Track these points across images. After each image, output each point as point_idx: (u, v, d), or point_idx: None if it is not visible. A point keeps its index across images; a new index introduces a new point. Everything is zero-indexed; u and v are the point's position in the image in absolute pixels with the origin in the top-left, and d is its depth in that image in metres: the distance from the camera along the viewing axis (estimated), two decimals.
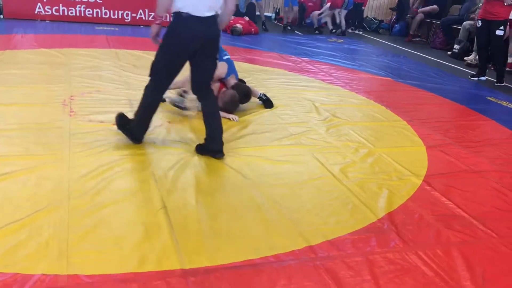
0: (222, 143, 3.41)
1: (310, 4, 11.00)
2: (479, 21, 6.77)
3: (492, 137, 4.57)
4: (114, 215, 2.57)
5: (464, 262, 2.47)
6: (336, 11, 10.40)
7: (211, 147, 3.41)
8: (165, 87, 3.39)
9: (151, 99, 3.37)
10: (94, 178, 2.93)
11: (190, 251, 2.32)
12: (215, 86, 4.27)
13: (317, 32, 10.27)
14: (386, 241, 2.60)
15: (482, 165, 3.83)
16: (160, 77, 3.28)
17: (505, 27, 6.58)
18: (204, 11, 3.07)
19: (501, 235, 2.79)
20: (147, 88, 3.33)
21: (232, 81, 4.54)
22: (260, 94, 4.72)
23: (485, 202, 3.19)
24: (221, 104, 4.15)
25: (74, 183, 2.84)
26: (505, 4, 6.38)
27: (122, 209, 2.64)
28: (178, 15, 3.06)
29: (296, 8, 10.39)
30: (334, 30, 10.41)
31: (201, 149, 3.45)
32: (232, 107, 4.32)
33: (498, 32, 6.54)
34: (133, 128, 3.45)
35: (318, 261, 2.36)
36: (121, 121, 3.48)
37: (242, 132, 4.00)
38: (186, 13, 3.03)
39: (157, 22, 3.15)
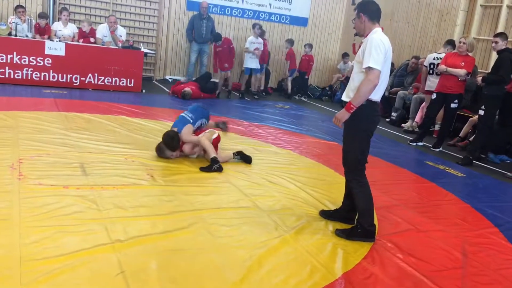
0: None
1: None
2: (434, 94, 7.32)
3: (434, 199, 4.85)
4: (69, 281, 2.48)
5: None
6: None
7: (350, 216, 3.74)
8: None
9: (368, 187, 3.58)
10: (46, 244, 2.82)
11: None
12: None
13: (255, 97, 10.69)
14: None
15: (427, 225, 4.04)
16: (364, 163, 3.56)
17: (459, 101, 7.14)
18: None
19: None
20: (358, 182, 3.55)
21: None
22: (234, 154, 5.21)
23: (433, 261, 3.34)
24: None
25: (26, 249, 2.72)
26: (459, 79, 6.94)
27: (78, 275, 2.55)
28: (373, 103, 3.40)
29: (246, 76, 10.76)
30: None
31: (327, 215, 3.83)
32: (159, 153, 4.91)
33: (453, 105, 7.10)
34: (367, 224, 3.51)
35: None
36: (347, 231, 3.55)
37: (200, 193, 4.02)
38: (376, 101, 3.40)
39: (352, 111, 3.33)
